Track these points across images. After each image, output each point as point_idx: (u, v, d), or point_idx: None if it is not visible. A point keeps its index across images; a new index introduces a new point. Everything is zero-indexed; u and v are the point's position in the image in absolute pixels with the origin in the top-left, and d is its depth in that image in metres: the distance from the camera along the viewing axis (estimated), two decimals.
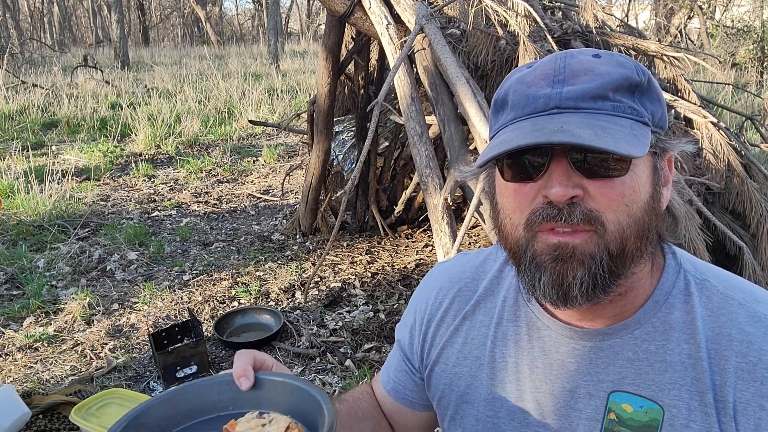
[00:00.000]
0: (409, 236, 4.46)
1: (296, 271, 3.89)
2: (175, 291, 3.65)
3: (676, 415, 0.75)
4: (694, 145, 0.80)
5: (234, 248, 4.32)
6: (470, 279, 0.96)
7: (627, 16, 15.96)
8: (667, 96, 2.69)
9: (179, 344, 2.75)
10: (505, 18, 2.73)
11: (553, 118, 0.70)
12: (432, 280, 1.02)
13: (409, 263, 3.97)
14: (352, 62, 4.06)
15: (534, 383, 0.85)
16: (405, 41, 2.76)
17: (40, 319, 3.33)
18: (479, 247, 4.26)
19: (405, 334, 1.03)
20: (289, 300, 3.53)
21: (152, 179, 6.13)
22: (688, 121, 2.67)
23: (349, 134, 4.68)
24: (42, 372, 2.84)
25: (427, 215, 3.21)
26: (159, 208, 5.27)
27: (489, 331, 0.91)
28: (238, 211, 5.20)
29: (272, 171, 6.57)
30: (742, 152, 2.63)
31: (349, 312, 3.38)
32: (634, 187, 0.71)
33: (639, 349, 0.79)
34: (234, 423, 0.76)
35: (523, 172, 0.73)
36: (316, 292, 3.59)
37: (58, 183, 5.27)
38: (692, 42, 13.39)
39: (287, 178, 5.44)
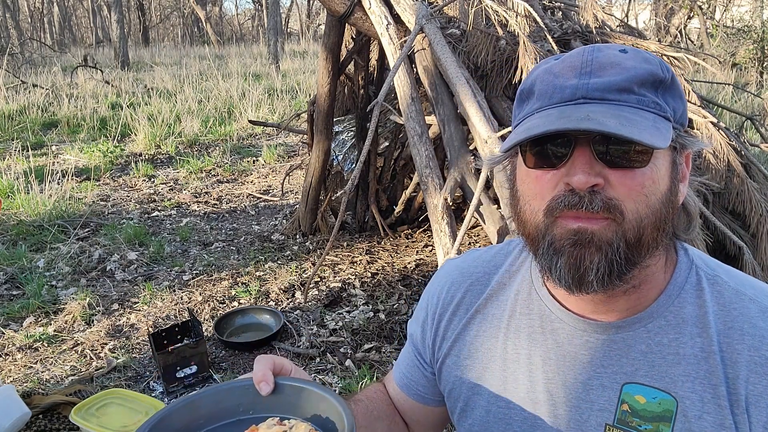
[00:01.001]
0: (409, 236, 4.46)
1: (296, 271, 3.89)
2: (175, 291, 3.65)
3: (689, 407, 0.77)
4: (710, 144, 0.82)
5: (234, 248, 4.32)
6: (482, 273, 0.97)
7: (627, 16, 15.96)
8: None
9: (179, 344, 2.74)
10: (505, 18, 2.73)
11: (580, 107, 0.72)
12: (443, 275, 1.03)
13: (409, 263, 3.97)
14: (352, 62, 4.06)
15: (547, 375, 0.86)
16: (405, 41, 2.76)
17: (40, 319, 3.33)
18: (479, 247, 4.26)
19: (417, 329, 1.04)
20: (289, 300, 3.53)
21: (152, 179, 6.13)
22: (689, 121, 2.67)
23: (349, 134, 4.68)
24: (42, 372, 2.84)
25: (427, 215, 3.21)
26: (159, 208, 5.27)
27: (501, 323, 0.92)
28: (238, 211, 5.20)
29: (272, 171, 6.57)
30: (742, 152, 2.63)
31: (349, 312, 3.38)
32: (654, 179, 0.73)
33: (652, 342, 0.80)
34: (255, 428, 0.76)
35: (546, 159, 0.75)
36: (316, 292, 3.59)
37: (58, 183, 5.27)
38: (692, 42, 13.39)
39: (287, 178, 5.44)
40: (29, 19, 27.51)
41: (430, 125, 3.21)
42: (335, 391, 2.65)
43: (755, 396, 0.74)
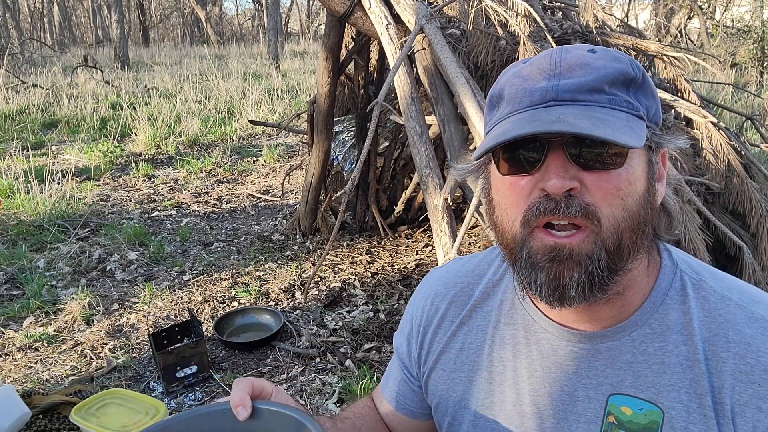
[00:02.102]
0: (409, 236, 4.46)
1: (296, 271, 3.88)
2: (175, 291, 3.65)
3: (675, 417, 0.75)
4: (687, 141, 0.80)
5: (234, 248, 4.32)
6: (465, 284, 0.95)
7: (627, 16, 15.95)
8: (666, 96, 2.69)
9: (179, 344, 2.74)
10: (505, 18, 2.73)
11: (551, 110, 0.70)
12: (427, 287, 1.01)
13: (409, 263, 3.97)
14: (352, 62, 4.06)
15: (533, 387, 0.84)
16: (405, 41, 2.76)
17: (40, 319, 3.33)
18: (479, 247, 4.26)
19: (402, 343, 1.02)
20: (289, 300, 3.53)
21: (152, 179, 6.13)
22: (688, 121, 2.67)
23: (349, 134, 4.68)
24: (42, 372, 2.84)
25: (427, 215, 3.21)
26: (159, 208, 5.27)
27: (486, 335, 0.90)
28: (238, 211, 5.20)
29: (272, 171, 6.57)
30: (742, 152, 2.63)
31: (349, 312, 3.38)
32: (630, 180, 0.71)
33: (637, 351, 0.78)
34: None
35: (519, 165, 0.73)
36: (316, 292, 3.59)
37: (58, 183, 5.27)
38: (692, 42, 13.38)
39: (287, 178, 5.44)
40: (29, 19, 27.52)
41: (430, 125, 3.21)
42: (334, 391, 2.65)
43: (741, 405, 0.73)
